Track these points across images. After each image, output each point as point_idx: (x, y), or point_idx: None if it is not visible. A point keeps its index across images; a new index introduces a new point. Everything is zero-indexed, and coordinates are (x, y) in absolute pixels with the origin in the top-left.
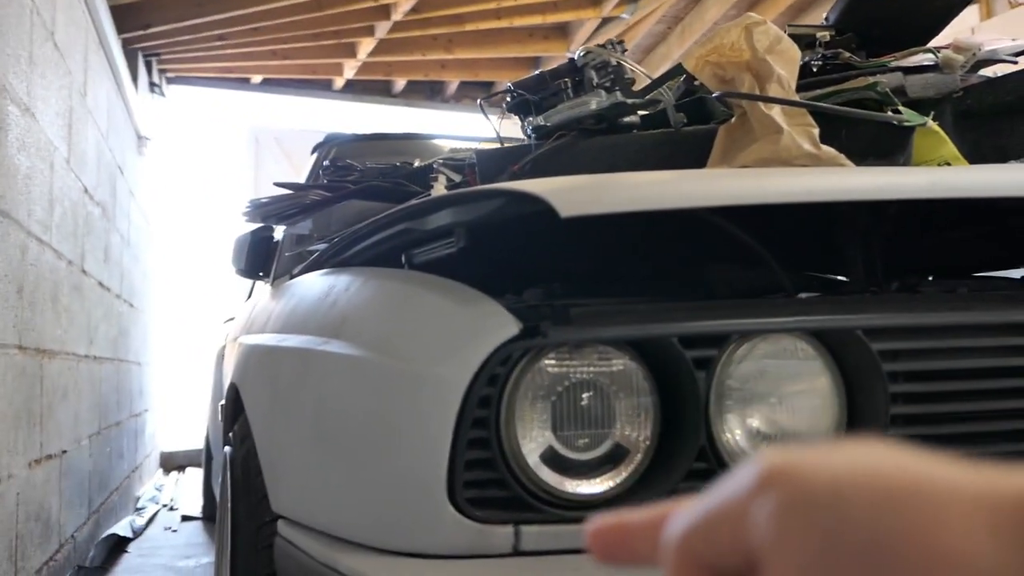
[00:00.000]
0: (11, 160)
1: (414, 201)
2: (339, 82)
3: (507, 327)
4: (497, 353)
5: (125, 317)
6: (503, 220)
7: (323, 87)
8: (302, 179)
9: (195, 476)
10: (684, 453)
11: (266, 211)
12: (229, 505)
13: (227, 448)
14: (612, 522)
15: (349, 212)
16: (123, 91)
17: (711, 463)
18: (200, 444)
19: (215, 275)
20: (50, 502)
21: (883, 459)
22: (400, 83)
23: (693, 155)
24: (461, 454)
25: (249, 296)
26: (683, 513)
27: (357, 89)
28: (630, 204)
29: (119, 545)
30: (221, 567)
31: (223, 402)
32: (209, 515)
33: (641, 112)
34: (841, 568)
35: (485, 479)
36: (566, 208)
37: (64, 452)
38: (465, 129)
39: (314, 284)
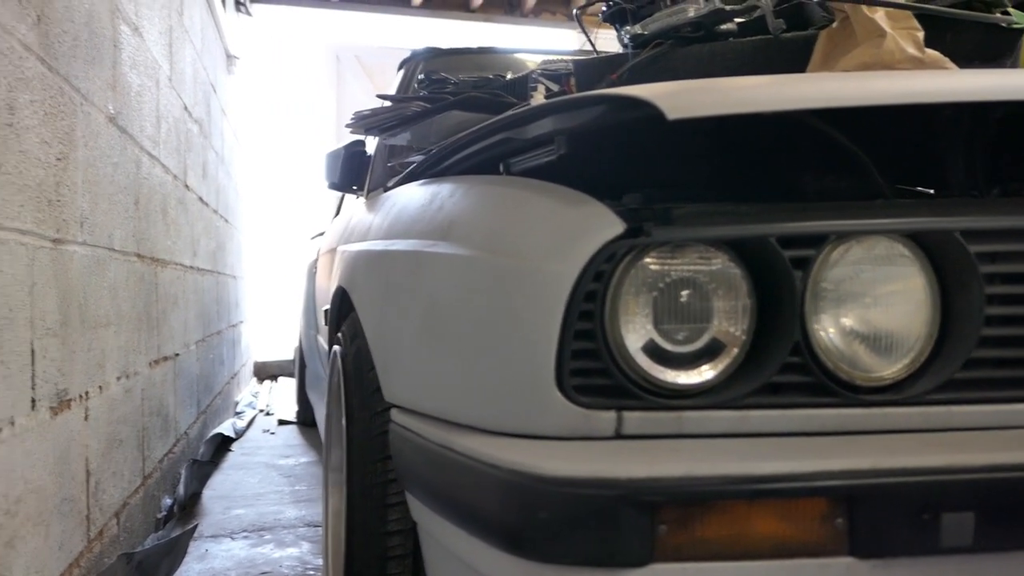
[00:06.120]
0: (125, 78)
1: (516, 110)
2: None
3: (612, 226)
4: (603, 251)
5: (221, 232)
6: (603, 127)
7: (402, 3)
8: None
9: (287, 385)
10: (779, 348)
11: (368, 123)
12: (342, 398)
13: (336, 347)
14: None
15: (448, 123)
16: (213, 10)
17: (805, 358)
18: (290, 355)
19: (300, 192)
20: (167, 400)
21: None
22: None
23: (792, 62)
24: (568, 344)
25: (337, 213)
26: None
27: (435, 4)
28: (736, 106)
29: (223, 444)
30: (330, 456)
31: (327, 307)
32: (303, 420)
33: (738, 19)
34: None
35: (590, 368)
36: (673, 111)
37: (176, 355)
38: (543, 44)
39: (415, 193)
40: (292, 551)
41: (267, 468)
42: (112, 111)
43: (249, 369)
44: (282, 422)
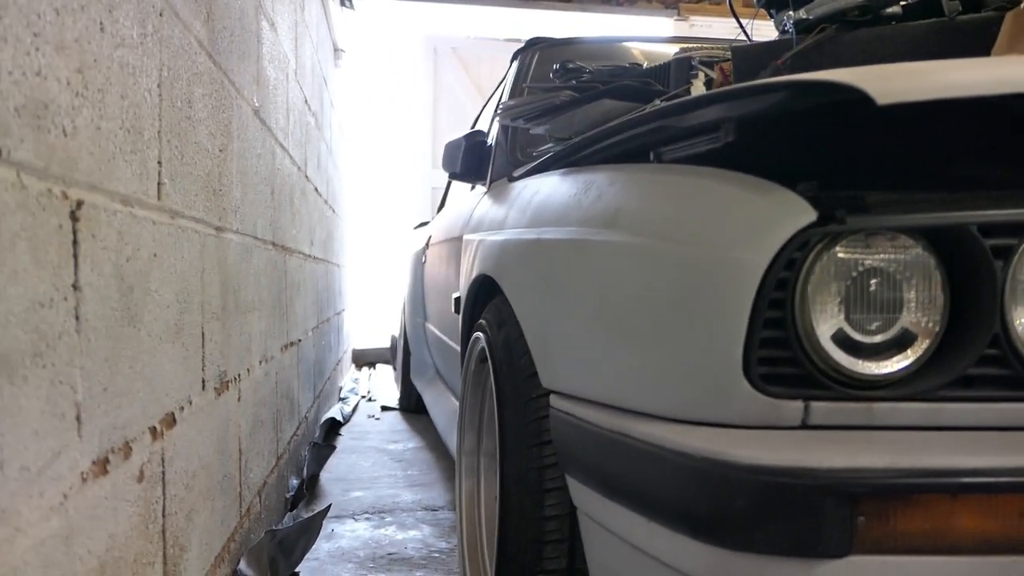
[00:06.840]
0: (264, 72)
1: (680, 97)
2: None
3: (805, 214)
4: (795, 239)
5: (330, 221)
6: (778, 114)
7: None
8: (483, 87)
9: (385, 372)
10: (975, 340)
11: (516, 112)
12: (492, 385)
13: (478, 334)
14: None
15: (595, 112)
16: (325, 5)
17: (1004, 351)
18: (385, 343)
19: (396, 183)
20: (293, 384)
21: None
22: None
23: (970, 46)
24: (757, 332)
25: (442, 204)
26: None
27: None
28: (955, 90)
29: (333, 428)
30: (463, 441)
31: (457, 294)
32: (405, 407)
33: (903, 2)
34: None
35: (778, 357)
36: (884, 96)
37: (299, 341)
38: (638, 33)
39: (560, 182)
40: (414, 533)
41: (378, 452)
42: (256, 104)
43: (349, 356)
44: (384, 408)
